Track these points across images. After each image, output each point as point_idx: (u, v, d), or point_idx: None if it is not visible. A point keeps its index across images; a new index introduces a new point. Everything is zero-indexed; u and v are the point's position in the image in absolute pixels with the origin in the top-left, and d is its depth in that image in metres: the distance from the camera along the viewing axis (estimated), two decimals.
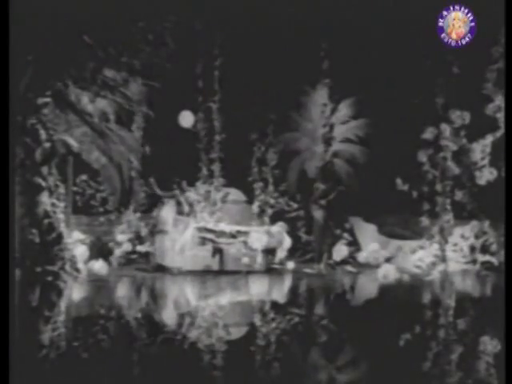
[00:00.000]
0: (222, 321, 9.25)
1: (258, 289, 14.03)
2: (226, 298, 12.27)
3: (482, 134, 16.70)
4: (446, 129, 16.77)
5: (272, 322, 8.90)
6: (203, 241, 15.45)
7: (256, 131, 17.23)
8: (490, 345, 7.58)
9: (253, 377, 5.99)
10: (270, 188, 17.27)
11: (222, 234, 15.58)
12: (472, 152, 16.74)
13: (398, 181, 16.59)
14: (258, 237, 15.56)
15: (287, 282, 14.71)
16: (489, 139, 16.60)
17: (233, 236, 15.56)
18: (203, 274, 14.76)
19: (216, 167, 16.84)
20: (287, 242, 16.27)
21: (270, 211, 17.01)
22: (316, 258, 16.71)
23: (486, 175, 16.60)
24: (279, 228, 16.21)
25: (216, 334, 8.14)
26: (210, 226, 15.72)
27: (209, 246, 15.41)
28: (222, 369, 6.30)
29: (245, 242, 15.51)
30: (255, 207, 16.85)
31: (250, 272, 15.10)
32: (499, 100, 16.19)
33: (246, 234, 15.64)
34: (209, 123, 17.02)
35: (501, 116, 16.18)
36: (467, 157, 16.83)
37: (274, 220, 16.79)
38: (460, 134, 16.84)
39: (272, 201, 17.12)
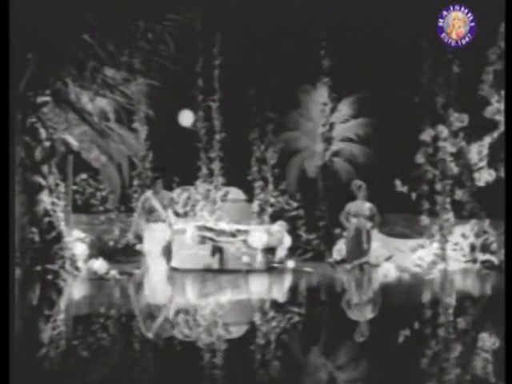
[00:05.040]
0: (222, 319, 9.24)
1: (258, 287, 14.01)
2: (225, 296, 12.25)
3: (480, 136, 16.69)
4: (443, 130, 16.75)
5: (272, 321, 8.89)
6: (203, 239, 15.43)
7: (256, 130, 17.25)
8: (489, 341, 7.58)
9: (253, 376, 5.99)
10: (270, 187, 17.29)
11: (221, 232, 15.55)
12: (470, 153, 16.71)
13: (397, 182, 16.57)
14: (259, 235, 15.52)
15: (287, 280, 14.70)
16: (486, 141, 16.57)
17: (233, 235, 15.53)
18: (203, 273, 14.78)
19: (216, 166, 16.86)
20: (287, 240, 16.26)
21: (270, 210, 17.02)
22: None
23: (485, 177, 16.59)
24: (279, 227, 16.19)
25: (216, 332, 8.14)
26: (210, 224, 15.71)
27: (208, 245, 15.39)
28: (222, 368, 6.29)
29: (245, 241, 15.49)
30: (255, 206, 16.86)
31: (249, 271, 15.09)
32: (496, 102, 16.18)
33: (246, 232, 15.62)
34: (209, 122, 17.04)
35: (499, 118, 16.16)
36: (465, 159, 16.81)
37: (273, 219, 16.80)
38: (458, 135, 16.82)
39: (272, 200, 17.13)
